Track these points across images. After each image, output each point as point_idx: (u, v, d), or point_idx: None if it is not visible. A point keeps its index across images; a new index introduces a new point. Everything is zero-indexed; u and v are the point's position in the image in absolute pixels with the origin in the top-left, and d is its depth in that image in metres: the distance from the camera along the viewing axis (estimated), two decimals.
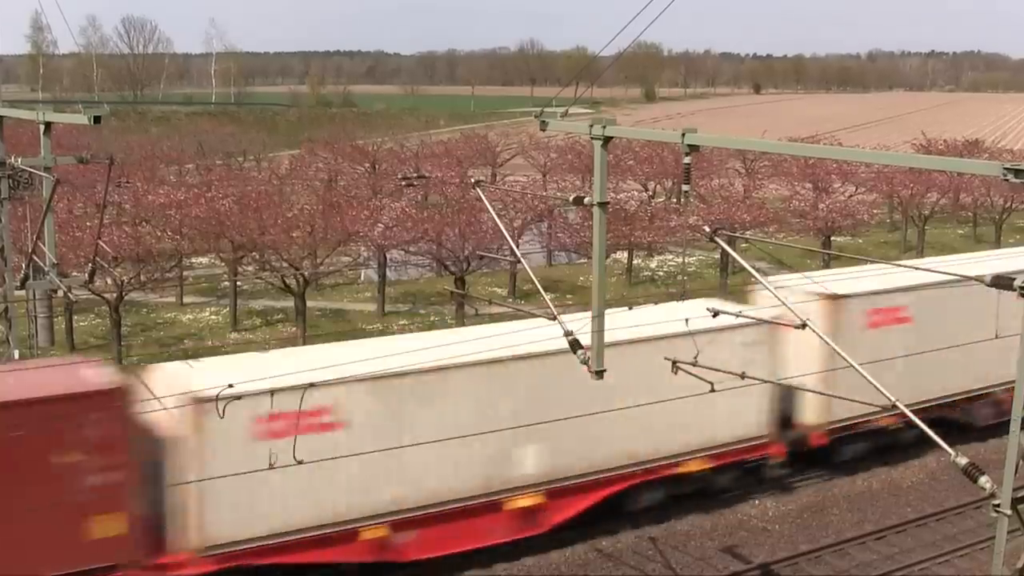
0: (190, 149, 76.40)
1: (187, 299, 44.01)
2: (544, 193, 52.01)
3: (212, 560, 18.99)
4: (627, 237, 43.71)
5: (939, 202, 56.72)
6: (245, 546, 19.25)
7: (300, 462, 15.86)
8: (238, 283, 41.40)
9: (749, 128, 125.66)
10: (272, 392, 17.44)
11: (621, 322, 19.68)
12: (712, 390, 16.72)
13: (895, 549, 23.50)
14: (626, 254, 48.26)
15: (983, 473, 10.91)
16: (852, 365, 12.18)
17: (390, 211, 42.36)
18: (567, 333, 14.41)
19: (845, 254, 41.61)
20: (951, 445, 11.35)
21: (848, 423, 26.48)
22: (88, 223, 37.67)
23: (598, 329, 14.38)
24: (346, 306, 43.73)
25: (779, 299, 13.37)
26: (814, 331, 12.71)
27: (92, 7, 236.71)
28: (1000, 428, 29.58)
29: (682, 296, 19.63)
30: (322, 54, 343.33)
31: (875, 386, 12.01)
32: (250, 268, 39.91)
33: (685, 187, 14.25)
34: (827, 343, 12.52)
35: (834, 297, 25.39)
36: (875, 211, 56.10)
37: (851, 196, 54.32)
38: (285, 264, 36.97)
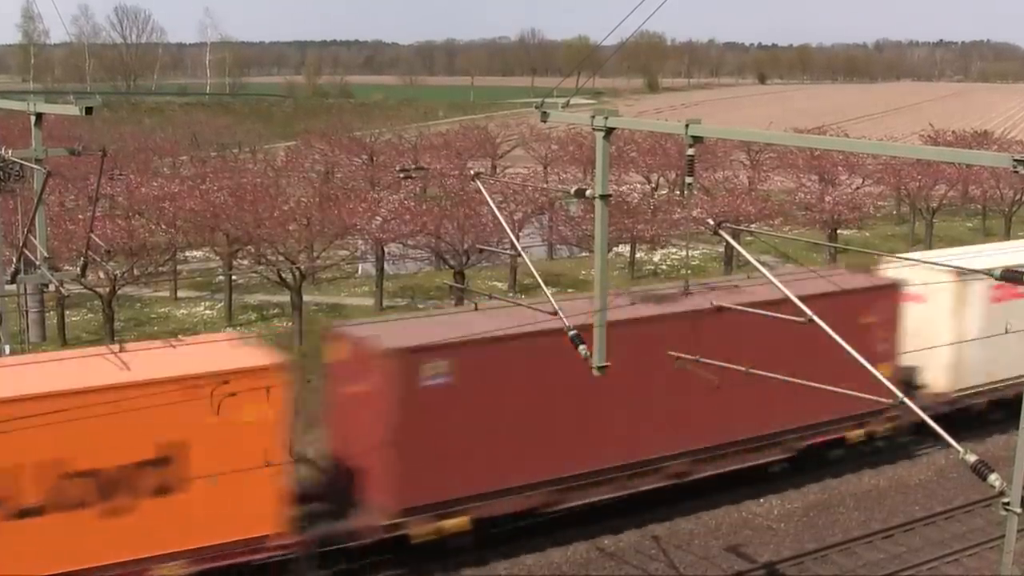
0: (184, 141, 76.42)
1: (181, 293, 43.98)
2: (545, 185, 51.96)
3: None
4: (629, 230, 43.68)
5: (947, 194, 56.68)
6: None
7: None
8: (233, 277, 41.36)
9: (754, 119, 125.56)
10: None
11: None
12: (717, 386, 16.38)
13: (903, 548, 23.49)
14: (628, 247, 48.24)
15: (992, 471, 10.90)
16: (859, 360, 12.17)
17: (388, 204, 42.32)
18: (568, 328, 14.40)
19: (851, 247, 41.60)
20: (959, 442, 11.34)
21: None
22: (80, 216, 37.67)
23: (600, 323, 14.37)
24: (343, 301, 43.72)
25: (785, 292, 13.34)
26: (822, 326, 12.69)
27: None
28: (1010, 424, 29.61)
29: (686, 291, 19.32)
30: (319, 44, 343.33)
31: (882, 381, 12.00)
32: (245, 262, 39.87)
33: (688, 179, 14.21)
34: (835, 339, 12.49)
35: None
36: (882, 204, 56.06)
37: (858, 188, 54.28)
38: (281, 258, 36.93)
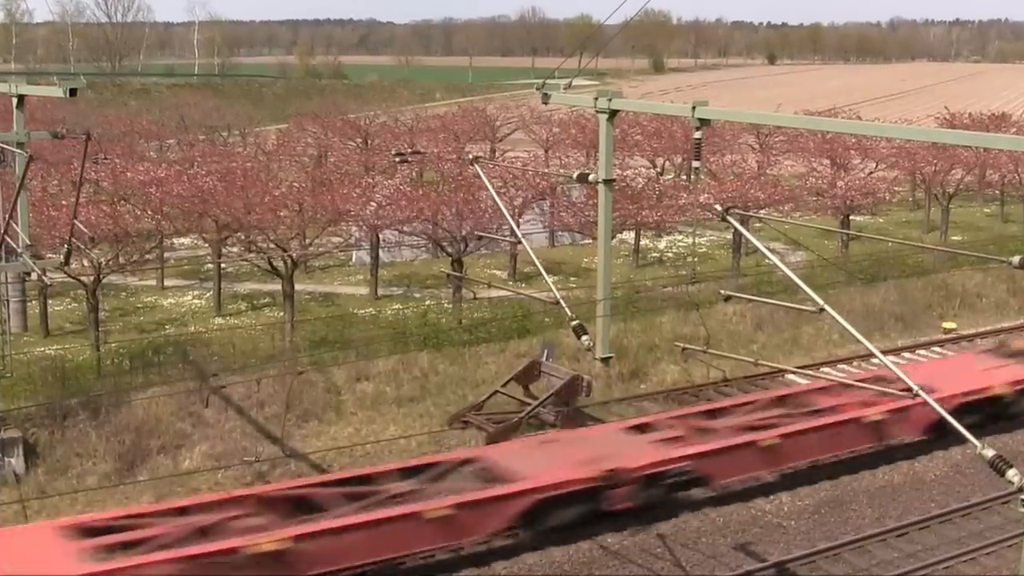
0: (171, 123, 76.26)
1: (168, 282, 43.96)
2: (546, 170, 51.91)
3: None
4: (634, 216, 43.60)
5: (964, 179, 56.58)
6: None
7: None
8: (222, 265, 41.33)
9: (763, 101, 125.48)
10: None
11: None
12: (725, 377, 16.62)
13: (918, 546, 23.49)
14: (633, 234, 48.19)
15: (1011, 466, 10.91)
16: (873, 352, 12.17)
17: (383, 189, 42.25)
18: (571, 318, 14.41)
19: (864, 234, 41.55)
20: (977, 436, 11.32)
21: None
22: (64, 202, 37.54)
23: (603, 314, 14.36)
24: (337, 289, 43.70)
25: (800, 284, 13.33)
26: (833, 315, 12.68)
27: None
28: None
29: (692, 280, 19.22)
30: (311, 22, 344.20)
31: (897, 373, 12.00)
32: (235, 249, 39.82)
33: (696, 163, 14.22)
34: (848, 329, 12.49)
35: None
36: (896, 189, 55.91)
37: (871, 173, 54.22)
38: (272, 245, 36.89)
